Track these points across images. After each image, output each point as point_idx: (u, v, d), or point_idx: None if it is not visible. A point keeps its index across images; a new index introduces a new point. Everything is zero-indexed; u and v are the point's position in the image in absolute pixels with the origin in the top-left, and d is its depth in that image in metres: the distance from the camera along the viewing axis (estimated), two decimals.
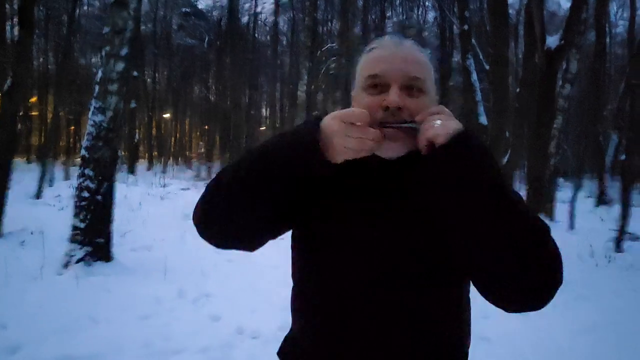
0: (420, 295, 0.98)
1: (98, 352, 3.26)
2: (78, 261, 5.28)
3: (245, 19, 28.94)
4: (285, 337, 1.17)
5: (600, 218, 12.61)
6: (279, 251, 1.86)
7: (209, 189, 0.99)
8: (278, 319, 3.88)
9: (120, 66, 5.39)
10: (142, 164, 29.08)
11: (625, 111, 16.56)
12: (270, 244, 1.08)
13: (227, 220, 0.97)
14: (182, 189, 17.37)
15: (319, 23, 26.99)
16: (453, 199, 0.88)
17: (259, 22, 30.75)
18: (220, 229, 0.99)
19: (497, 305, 0.95)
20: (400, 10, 27.70)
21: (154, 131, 31.99)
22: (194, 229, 1.01)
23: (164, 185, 18.06)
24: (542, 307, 0.92)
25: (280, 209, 0.98)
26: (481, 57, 13.88)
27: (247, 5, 28.50)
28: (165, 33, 30.02)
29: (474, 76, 11.62)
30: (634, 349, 3.81)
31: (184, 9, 29.08)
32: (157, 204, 12.67)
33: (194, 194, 15.53)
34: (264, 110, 39.24)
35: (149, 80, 29.89)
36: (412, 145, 0.97)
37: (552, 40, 6.20)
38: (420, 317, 0.98)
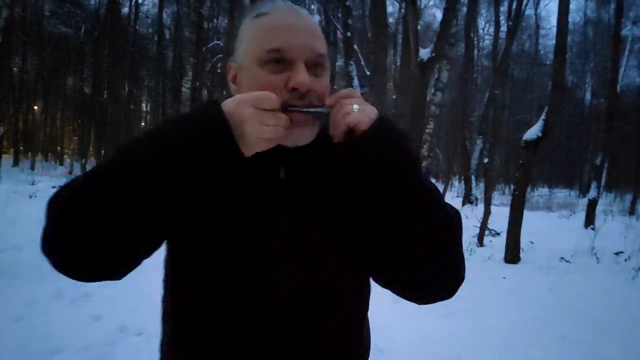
0: (329, 306, 0.89)
1: None
2: None
3: (125, 10, 27.65)
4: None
5: (465, 216, 13.80)
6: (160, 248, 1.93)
7: (65, 206, 0.76)
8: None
9: None
10: (7, 160, 26.70)
11: (489, 118, 18.25)
12: None
13: (98, 247, 0.75)
14: (53, 187, 16.24)
15: (204, 19, 26.55)
16: (380, 186, 0.82)
17: (141, 14, 29.52)
18: (87, 258, 0.77)
19: (407, 296, 0.93)
20: None
21: (20, 124, 29.47)
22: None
23: (33, 183, 16.79)
24: (451, 296, 0.91)
25: (171, 220, 0.81)
26: (363, 62, 14.56)
27: None
28: (36, 19, 27.77)
29: (355, 81, 12.16)
30: (486, 330, 4.33)
31: None
32: (26, 202, 11.76)
33: None
34: (144, 105, 37.75)
35: (15, 69, 27.50)
36: (317, 129, 0.91)
37: (425, 52, 6.76)
38: (328, 330, 0.90)
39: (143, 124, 37.75)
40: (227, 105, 0.78)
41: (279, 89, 0.85)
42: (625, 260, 8.53)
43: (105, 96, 28.19)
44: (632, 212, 19.97)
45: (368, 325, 1.01)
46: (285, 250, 0.87)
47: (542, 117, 7.65)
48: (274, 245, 0.87)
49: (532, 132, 7.61)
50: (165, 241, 0.91)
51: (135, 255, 0.83)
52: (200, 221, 0.87)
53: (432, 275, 0.87)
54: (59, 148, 35.89)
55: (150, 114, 38.24)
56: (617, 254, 9.09)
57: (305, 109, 0.86)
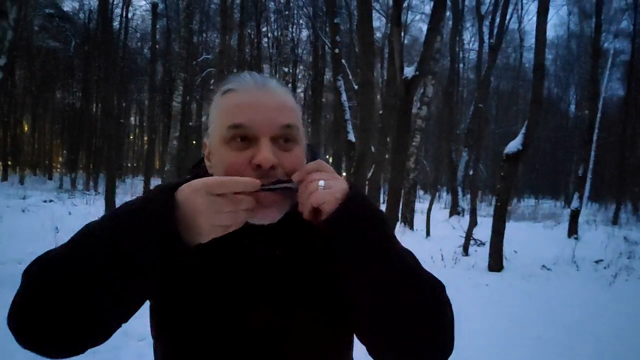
0: None
1: None
2: None
3: (116, 24, 27.89)
4: None
5: (452, 226, 14.14)
6: None
7: (29, 282, 0.76)
8: None
9: None
10: None
11: (474, 131, 18.68)
12: None
13: (61, 327, 0.74)
14: (45, 201, 16.36)
15: (194, 33, 26.84)
16: (349, 270, 0.80)
17: (130, 28, 29.77)
18: (64, 335, 0.75)
19: None
20: (275, 26, 28.46)
21: (8, 138, 29.43)
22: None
23: (24, 197, 16.87)
24: None
25: (134, 302, 0.80)
26: (350, 77, 14.94)
27: (117, 11, 27.54)
28: (25, 34, 27.91)
29: (344, 96, 12.52)
30: (467, 332, 4.60)
31: (47, 10, 27.25)
32: (19, 216, 11.92)
33: (60, 206, 14.78)
34: (132, 118, 37.88)
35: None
36: (288, 206, 0.87)
37: (409, 71, 7.10)
38: None
39: (132, 137, 37.82)
40: (182, 193, 0.76)
41: (244, 166, 0.82)
42: (605, 267, 8.87)
43: (94, 110, 28.31)
44: (615, 221, 20.40)
45: None
46: (262, 343, 0.86)
47: (522, 131, 8.01)
48: (249, 336, 0.86)
49: (513, 146, 7.97)
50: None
51: (104, 326, 0.79)
52: (172, 303, 0.88)
53: (418, 351, 0.82)
54: (47, 162, 35.80)
55: (138, 128, 38.38)
56: (597, 262, 9.43)
57: (271, 186, 0.81)
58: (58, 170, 33.51)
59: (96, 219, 0.84)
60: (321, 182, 0.80)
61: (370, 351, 0.87)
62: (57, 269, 0.75)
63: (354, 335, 0.94)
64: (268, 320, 0.86)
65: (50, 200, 16.78)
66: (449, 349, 0.84)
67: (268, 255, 0.89)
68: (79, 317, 0.73)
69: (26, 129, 33.74)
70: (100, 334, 0.80)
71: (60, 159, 36.01)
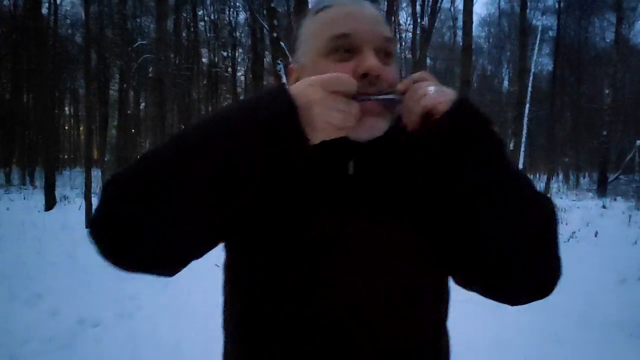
0: (404, 315, 0.81)
1: None
2: None
3: (44, 11, 26.72)
4: None
5: None
6: None
7: (118, 187, 0.71)
8: (116, 308, 4.31)
9: None
10: None
11: None
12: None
13: (158, 236, 0.70)
14: None
15: (128, 19, 26.08)
16: (468, 175, 0.74)
17: (60, 14, 28.58)
18: (146, 248, 0.72)
19: (500, 297, 0.83)
20: (212, 9, 28.02)
21: None
22: None
23: None
24: (549, 293, 0.81)
25: (230, 211, 0.75)
26: (291, 60, 15.04)
27: None
28: None
29: (284, 80, 12.63)
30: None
31: None
32: None
33: None
34: (67, 108, 36.54)
35: None
36: (391, 118, 0.84)
37: None
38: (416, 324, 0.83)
39: (67, 127, 36.55)
40: (296, 87, 0.72)
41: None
42: None
43: (25, 101, 27.14)
44: (546, 191, 21.59)
45: (447, 335, 0.91)
46: (357, 255, 0.79)
47: None
48: (344, 248, 0.79)
49: None
50: (224, 244, 0.88)
51: (187, 251, 0.78)
52: (262, 218, 0.82)
53: (530, 272, 0.76)
54: None
55: (73, 118, 37.11)
56: None
57: (376, 97, 0.78)
58: None
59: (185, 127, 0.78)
60: (431, 88, 0.76)
61: (470, 277, 0.84)
62: (149, 167, 0.71)
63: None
64: (362, 231, 0.80)
65: None
66: (561, 270, 0.79)
67: (360, 174, 0.84)
68: (168, 224, 0.69)
69: None
70: (187, 251, 0.78)
71: None
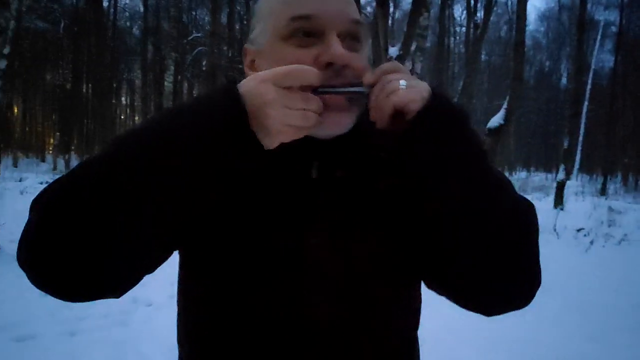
0: (374, 329, 0.76)
1: (14, 321, 3.72)
2: None
3: (105, 4, 27.79)
4: None
5: None
6: None
7: (49, 205, 0.62)
8: (167, 290, 4.54)
9: (3, 64, 5.53)
10: None
11: (463, 106, 18.89)
12: None
13: (88, 258, 0.60)
14: (41, 183, 16.53)
15: (184, 11, 26.77)
16: (441, 180, 0.67)
17: (119, 7, 29.66)
18: (75, 271, 0.61)
19: (474, 307, 0.77)
20: None
21: None
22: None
23: (20, 180, 17.04)
24: (527, 303, 0.75)
25: (178, 226, 0.66)
26: None
27: None
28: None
29: None
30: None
31: None
32: (19, 198, 12.18)
33: None
34: (123, 98, 37.88)
35: None
36: (358, 114, 0.74)
37: (393, 51, 7.38)
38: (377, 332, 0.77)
39: (122, 117, 37.91)
40: (246, 85, 0.63)
41: (309, 66, 0.66)
42: (585, 235, 9.27)
43: (85, 90, 28.32)
44: (603, 192, 20.85)
45: (417, 346, 0.86)
46: (321, 268, 0.73)
47: (504, 106, 8.35)
48: (308, 262, 0.73)
49: (495, 121, 8.32)
50: (177, 251, 0.79)
51: (134, 268, 0.67)
52: (217, 229, 0.73)
53: (507, 281, 0.72)
54: (39, 144, 35.78)
55: (129, 107, 38.41)
56: (578, 230, 9.80)
57: (341, 90, 0.69)
58: (50, 152, 33.52)
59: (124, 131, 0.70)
60: (402, 82, 0.66)
61: (442, 285, 0.78)
62: (86, 179, 0.62)
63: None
64: (325, 245, 0.73)
65: (47, 182, 16.84)
66: (540, 280, 0.75)
67: (325, 177, 0.76)
68: (110, 243, 0.60)
69: (16, 111, 33.65)
70: (134, 268, 0.67)
71: (52, 140, 36.00)
